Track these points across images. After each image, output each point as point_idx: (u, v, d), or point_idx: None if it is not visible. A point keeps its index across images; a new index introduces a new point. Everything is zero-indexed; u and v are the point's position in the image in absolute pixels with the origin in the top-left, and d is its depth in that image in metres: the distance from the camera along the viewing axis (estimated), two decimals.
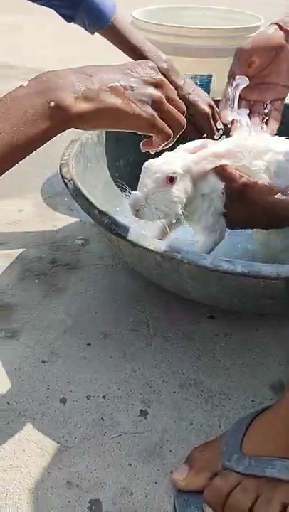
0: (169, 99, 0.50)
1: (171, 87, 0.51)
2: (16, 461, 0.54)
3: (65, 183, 0.69)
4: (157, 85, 0.49)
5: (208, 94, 1.07)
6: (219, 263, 0.55)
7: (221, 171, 0.64)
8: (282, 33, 0.73)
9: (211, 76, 1.07)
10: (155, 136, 0.51)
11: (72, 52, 2.11)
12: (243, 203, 0.64)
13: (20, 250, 0.86)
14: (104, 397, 0.61)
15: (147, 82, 0.49)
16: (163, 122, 0.50)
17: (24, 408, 0.59)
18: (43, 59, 1.99)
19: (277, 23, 0.73)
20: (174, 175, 0.62)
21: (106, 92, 0.45)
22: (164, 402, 0.61)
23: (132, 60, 0.76)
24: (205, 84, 1.07)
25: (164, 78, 0.50)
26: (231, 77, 0.74)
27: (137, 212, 0.62)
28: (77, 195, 0.66)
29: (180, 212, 0.63)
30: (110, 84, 0.46)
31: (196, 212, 0.67)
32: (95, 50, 2.09)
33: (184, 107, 0.53)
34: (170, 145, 0.54)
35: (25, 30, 2.49)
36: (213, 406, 0.61)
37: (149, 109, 0.48)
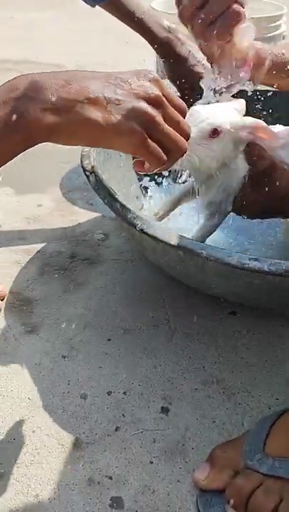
0: (167, 119, 0.42)
1: (169, 104, 0.43)
2: (38, 456, 0.53)
3: (87, 176, 0.68)
4: (151, 101, 0.41)
5: None
6: (245, 261, 0.53)
7: (253, 148, 0.62)
8: None
9: None
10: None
11: (90, 47, 2.10)
12: (267, 185, 0.63)
13: (40, 245, 0.86)
14: (124, 393, 0.60)
15: (138, 96, 0.41)
16: (154, 144, 0.41)
17: (45, 403, 0.59)
18: (60, 55, 1.99)
19: None
20: (220, 129, 0.59)
21: (83, 103, 0.39)
22: (185, 399, 0.60)
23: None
24: None
25: (160, 94, 0.42)
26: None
27: None
28: (99, 187, 0.65)
29: (214, 172, 0.62)
30: (90, 95, 0.39)
31: (212, 179, 0.65)
32: (110, 48, 2.08)
33: (189, 131, 0.45)
34: (166, 170, 0.47)
35: (48, 26, 2.50)
36: (236, 404, 0.60)
37: (136, 127, 0.40)
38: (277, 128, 0.67)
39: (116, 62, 1.92)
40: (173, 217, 0.77)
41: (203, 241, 0.67)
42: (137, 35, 0.97)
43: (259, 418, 0.55)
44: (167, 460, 0.53)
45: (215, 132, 0.60)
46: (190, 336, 0.68)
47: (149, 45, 0.94)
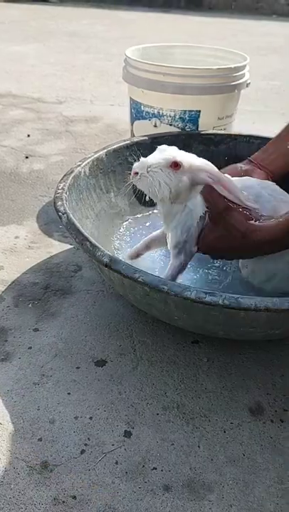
0: None
1: None
2: (6, 478, 0.57)
3: (60, 217, 0.73)
4: None
5: (197, 128, 1.14)
6: (202, 295, 0.59)
7: (208, 192, 0.70)
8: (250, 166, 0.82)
9: (199, 111, 1.13)
10: None
11: (70, 82, 2.19)
12: (223, 228, 0.69)
13: (16, 276, 0.91)
14: (90, 418, 0.65)
15: None
16: None
17: (15, 428, 0.63)
18: (41, 89, 2.07)
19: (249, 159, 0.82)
20: (180, 163, 0.68)
21: None
22: (147, 424, 0.64)
23: None
24: (194, 118, 1.14)
25: None
26: None
27: (136, 175, 0.69)
28: (71, 228, 0.71)
29: (166, 198, 0.70)
30: None
31: (174, 219, 0.73)
32: (89, 83, 2.17)
33: None
34: None
35: (30, 59, 2.58)
36: (194, 427, 0.64)
37: None
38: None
39: (95, 97, 2.01)
40: (149, 257, 0.84)
41: (173, 279, 0.73)
42: (116, 71, 1.07)
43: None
44: (128, 480, 0.58)
45: (176, 165, 0.69)
46: (154, 364, 0.73)
47: (125, 82, 1.04)
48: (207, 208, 0.71)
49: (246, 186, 0.74)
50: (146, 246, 0.82)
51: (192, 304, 0.60)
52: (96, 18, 4.14)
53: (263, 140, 1.05)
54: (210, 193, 0.71)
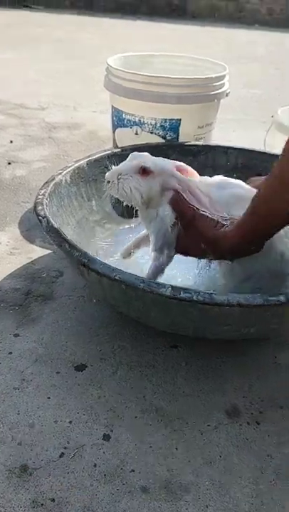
0: None
1: None
2: None
3: (40, 221, 0.75)
4: None
5: (178, 136, 1.16)
6: (178, 292, 0.61)
7: (175, 202, 0.72)
8: None
9: (180, 119, 1.15)
10: None
11: (53, 88, 2.20)
12: (193, 235, 0.71)
13: None
14: (70, 422, 0.65)
15: None
16: None
17: None
18: (24, 95, 2.08)
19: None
20: (148, 168, 0.71)
21: None
22: (125, 427, 0.65)
23: None
24: (174, 126, 1.16)
25: None
26: None
27: (107, 183, 0.72)
28: (50, 230, 0.72)
29: (139, 203, 0.72)
30: None
31: (150, 225, 0.75)
32: (72, 89, 2.18)
33: None
34: None
35: (14, 65, 2.59)
36: (172, 430, 0.66)
37: None
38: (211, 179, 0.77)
39: (78, 104, 2.02)
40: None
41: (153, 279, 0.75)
42: (99, 78, 1.11)
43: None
44: (106, 482, 0.59)
45: (144, 171, 0.71)
46: (133, 368, 0.75)
47: (107, 90, 1.09)
48: (177, 213, 0.73)
49: (220, 187, 0.76)
50: (136, 244, 0.85)
51: (168, 300, 0.62)
52: (81, 25, 4.16)
53: (240, 151, 1.08)
54: (177, 203, 0.72)
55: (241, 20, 5.32)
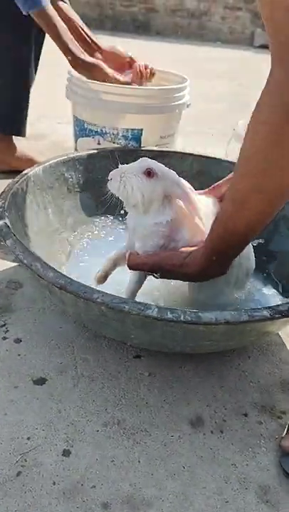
0: None
1: None
2: None
3: (4, 238, 0.71)
4: None
5: (140, 145, 1.16)
6: (165, 313, 0.59)
7: (133, 264, 0.72)
8: None
9: (141, 130, 1.15)
10: None
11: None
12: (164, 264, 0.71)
13: None
14: (28, 438, 0.63)
15: None
16: None
17: None
18: None
19: None
20: (153, 171, 0.70)
21: None
22: (86, 441, 0.63)
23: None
24: (136, 136, 1.16)
25: None
26: None
27: (109, 180, 0.70)
28: (17, 249, 0.68)
29: (139, 203, 0.70)
30: None
31: (137, 234, 0.74)
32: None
33: None
34: None
35: None
36: (134, 443, 0.64)
37: None
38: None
39: (41, 115, 2.01)
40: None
41: (132, 295, 0.74)
42: (62, 89, 1.14)
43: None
44: (66, 500, 0.56)
45: (149, 173, 0.70)
46: (95, 380, 0.73)
47: (68, 100, 1.13)
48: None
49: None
50: (113, 264, 0.78)
51: (154, 321, 0.60)
52: (46, 39, 4.15)
53: (195, 157, 1.08)
54: (134, 264, 0.72)
55: (204, 37, 5.46)
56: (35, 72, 1.31)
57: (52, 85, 2.23)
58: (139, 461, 0.61)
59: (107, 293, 0.61)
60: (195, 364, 0.78)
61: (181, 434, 0.66)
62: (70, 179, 0.99)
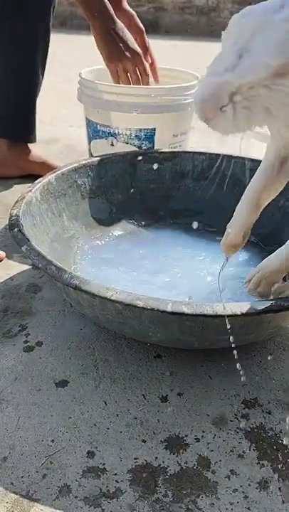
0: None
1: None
2: None
3: (19, 245, 0.72)
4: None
5: (153, 145, 1.16)
6: (179, 307, 0.59)
7: None
8: None
9: (154, 129, 1.15)
10: None
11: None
12: None
13: None
14: (52, 441, 0.63)
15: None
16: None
17: None
18: None
19: None
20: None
21: None
22: (110, 442, 0.63)
23: None
24: (149, 136, 1.16)
25: None
26: None
27: (213, 113, 0.41)
28: (32, 254, 0.70)
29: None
30: None
31: None
32: (49, 105, 2.19)
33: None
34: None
35: None
36: (158, 442, 0.64)
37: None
38: None
39: (54, 119, 2.02)
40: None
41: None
42: (75, 93, 1.14)
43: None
44: (93, 504, 0.56)
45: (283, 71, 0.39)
46: (117, 381, 0.73)
47: (80, 102, 1.12)
48: None
49: None
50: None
51: (168, 316, 0.60)
52: (56, 42, 4.17)
53: (209, 155, 1.08)
54: None
55: (213, 34, 5.42)
56: (42, 77, 1.31)
57: (63, 90, 2.25)
58: (163, 461, 0.61)
59: (121, 290, 0.62)
60: (216, 362, 0.77)
61: (204, 433, 0.66)
62: (83, 185, 0.99)
